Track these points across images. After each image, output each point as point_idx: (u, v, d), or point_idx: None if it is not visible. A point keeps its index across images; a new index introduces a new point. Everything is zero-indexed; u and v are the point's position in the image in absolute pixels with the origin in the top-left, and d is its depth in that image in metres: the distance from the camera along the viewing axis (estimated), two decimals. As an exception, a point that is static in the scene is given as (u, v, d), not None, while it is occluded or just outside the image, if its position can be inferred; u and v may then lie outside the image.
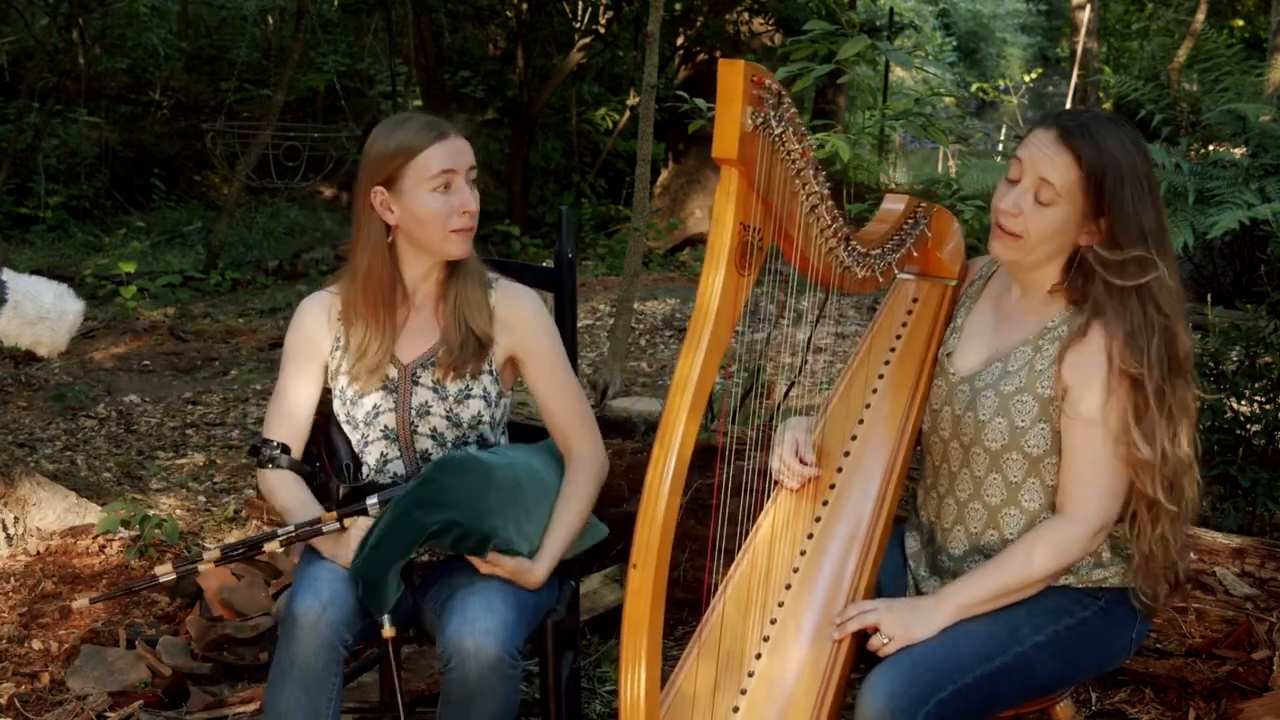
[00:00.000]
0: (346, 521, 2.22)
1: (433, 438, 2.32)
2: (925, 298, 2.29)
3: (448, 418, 2.31)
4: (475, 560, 2.17)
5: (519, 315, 2.34)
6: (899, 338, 2.26)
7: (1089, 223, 1.97)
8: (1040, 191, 1.96)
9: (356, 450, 2.36)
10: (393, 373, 2.31)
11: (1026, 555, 1.99)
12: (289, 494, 2.32)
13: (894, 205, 2.24)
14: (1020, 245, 2.00)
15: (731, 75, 1.74)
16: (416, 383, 2.31)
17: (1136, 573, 2.04)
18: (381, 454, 2.33)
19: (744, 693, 1.97)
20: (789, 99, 1.83)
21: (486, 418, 2.34)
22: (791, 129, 1.83)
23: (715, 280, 1.78)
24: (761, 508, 2.18)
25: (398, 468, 2.33)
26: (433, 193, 2.23)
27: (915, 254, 2.25)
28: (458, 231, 2.25)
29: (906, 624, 1.96)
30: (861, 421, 2.21)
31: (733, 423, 3.35)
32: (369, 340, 2.30)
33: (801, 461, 2.16)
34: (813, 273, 2.03)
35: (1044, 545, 1.99)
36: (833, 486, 2.17)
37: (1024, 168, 1.99)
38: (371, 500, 2.22)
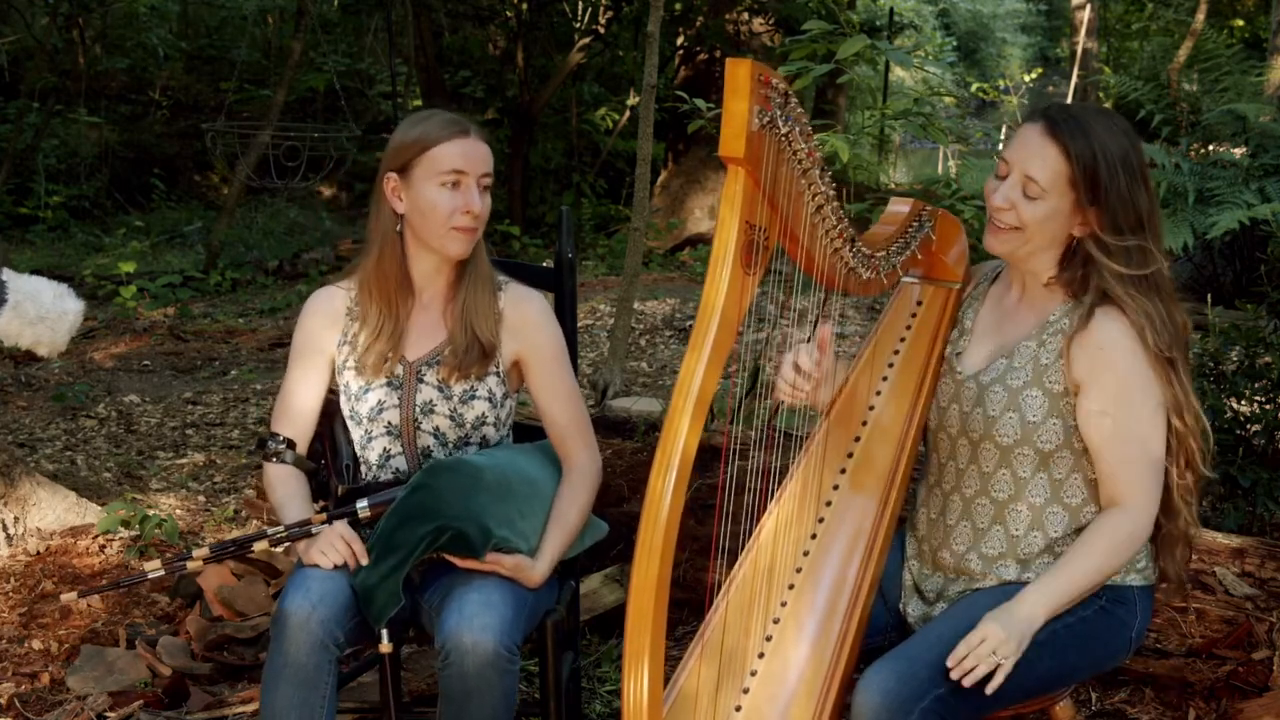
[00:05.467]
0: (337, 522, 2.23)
1: (435, 436, 2.32)
2: (929, 302, 2.28)
3: (451, 417, 2.32)
4: (475, 562, 2.17)
5: (526, 320, 2.35)
6: (903, 340, 2.25)
7: (1080, 213, 1.99)
8: (1027, 188, 2.00)
9: (359, 446, 2.36)
10: (399, 369, 2.32)
11: (1097, 546, 1.99)
12: (286, 492, 2.34)
13: (899, 208, 2.24)
14: (1019, 236, 2.03)
15: (738, 74, 1.74)
16: (422, 380, 2.32)
17: (1156, 548, 2.07)
18: (384, 450, 2.34)
19: (746, 692, 1.97)
20: (795, 99, 1.83)
21: (491, 418, 2.34)
22: (798, 129, 1.83)
23: (720, 279, 1.78)
24: (763, 508, 2.18)
25: (400, 464, 2.34)
26: (440, 187, 2.24)
27: (920, 257, 2.24)
28: (459, 229, 2.26)
29: (1011, 643, 1.92)
30: (865, 424, 2.21)
31: (731, 423, 3.35)
32: (382, 325, 2.31)
33: (797, 369, 2.13)
34: (818, 273, 2.03)
35: (1109, 535, 1.99)
36: (836, 488, 2.17)
37: (1010, 165, 2.02)
38: (362, 503, 2.23)
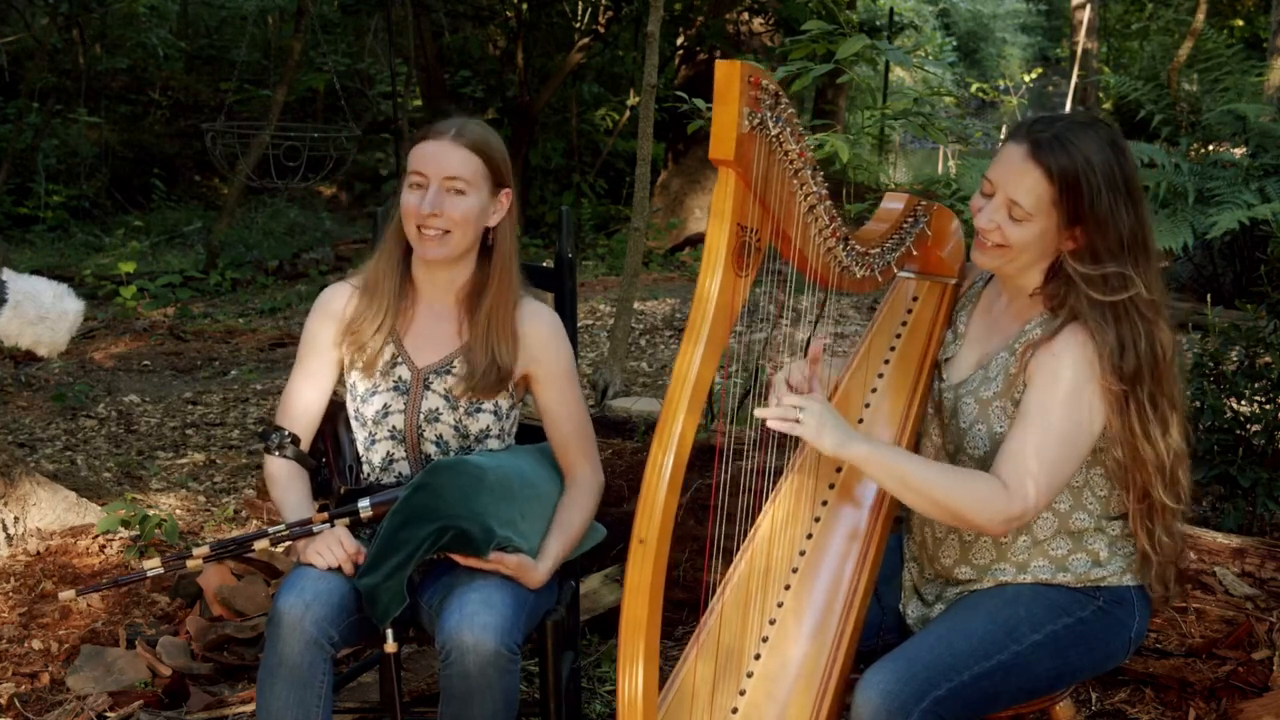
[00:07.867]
0: (339, 522, 2.23)
1: (437, 444, 2.33)
2: (925, 297, 2.28)
3: (455, 427, 2.32)
4: (478, 561, 2.17)
5: (538, 336, 2.34)
6: (899, 337, 2.25)
7: (1067, 230, 1.97)
8: (1012, 210, 1.97)
9: (363, 448, 2.36)
10: (406, 374, 2.32)
11: (949, 476, 1.94)
12: (287, 488, 2.34)
13: (893, 204, 2.23)
14: (1006, 254, 2.01)
15: (728, 76, 1.73)
16: (429, 388, 2.31)
17: (1142, 570, 2.05)
18: (388, 453, 2.34)
19: (743, 693, 1.96)
20: (786, 99, 1.83)
21: (495, 430, 2.35)
22: (789, 129, 1.83)
23: (713, 281, 1.78)
24: (761, 508, 2.18)
25: (404, 468, 2.34)
26: (410, 188, 2.25)
27: (915, 253, 2.24)
28: (423, 232, 2.24)
29: (820, 427, 1.88)
30: (861, 421, 2.21)
31: (731, 423, 3.35)
32: (372, 317, 2.30)
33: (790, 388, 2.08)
34: (811, 272, 2.02)
35: (972, 485, 1.91)
36: (832, 486, 2.17)
37: (995, 186, 1.99)
38: (364, 503, 2.23)
